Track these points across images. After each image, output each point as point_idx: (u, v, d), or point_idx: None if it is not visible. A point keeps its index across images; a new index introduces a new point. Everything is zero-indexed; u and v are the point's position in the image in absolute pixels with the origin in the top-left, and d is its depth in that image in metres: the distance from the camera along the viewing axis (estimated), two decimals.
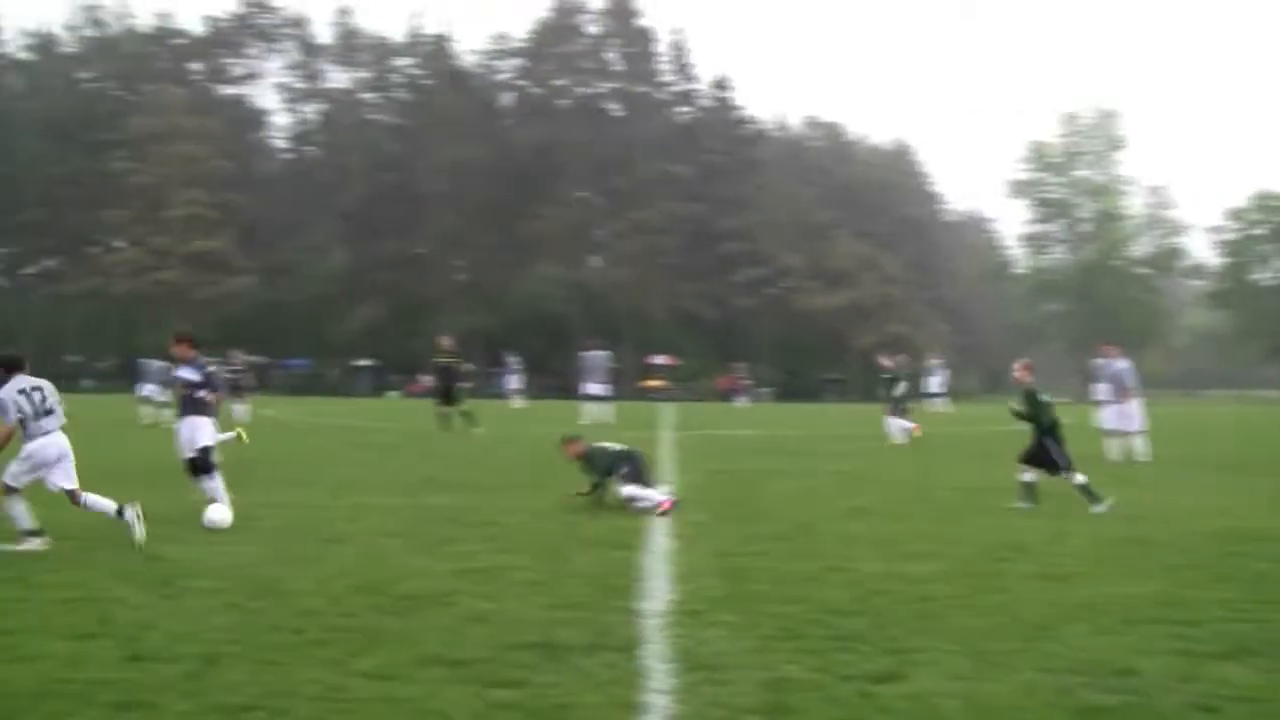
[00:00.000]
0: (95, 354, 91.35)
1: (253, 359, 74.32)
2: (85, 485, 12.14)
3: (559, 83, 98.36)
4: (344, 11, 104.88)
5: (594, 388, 39.03)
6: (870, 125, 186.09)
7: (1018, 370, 16.82)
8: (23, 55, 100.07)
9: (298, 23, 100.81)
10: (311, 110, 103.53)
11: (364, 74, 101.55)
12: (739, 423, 41.58)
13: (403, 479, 18.61)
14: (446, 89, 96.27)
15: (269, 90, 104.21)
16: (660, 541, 12.55)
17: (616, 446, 15.72)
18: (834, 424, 30.49)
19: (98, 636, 8.05)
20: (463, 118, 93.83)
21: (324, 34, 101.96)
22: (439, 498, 15.69)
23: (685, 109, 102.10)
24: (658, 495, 14.75)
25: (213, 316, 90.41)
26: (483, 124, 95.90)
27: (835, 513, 15.00)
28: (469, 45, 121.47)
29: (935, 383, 48.32)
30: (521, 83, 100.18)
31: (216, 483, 13.89)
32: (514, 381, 52.92)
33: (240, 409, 35.83)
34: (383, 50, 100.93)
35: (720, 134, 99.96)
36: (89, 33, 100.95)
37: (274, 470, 20.19)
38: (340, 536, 12.67)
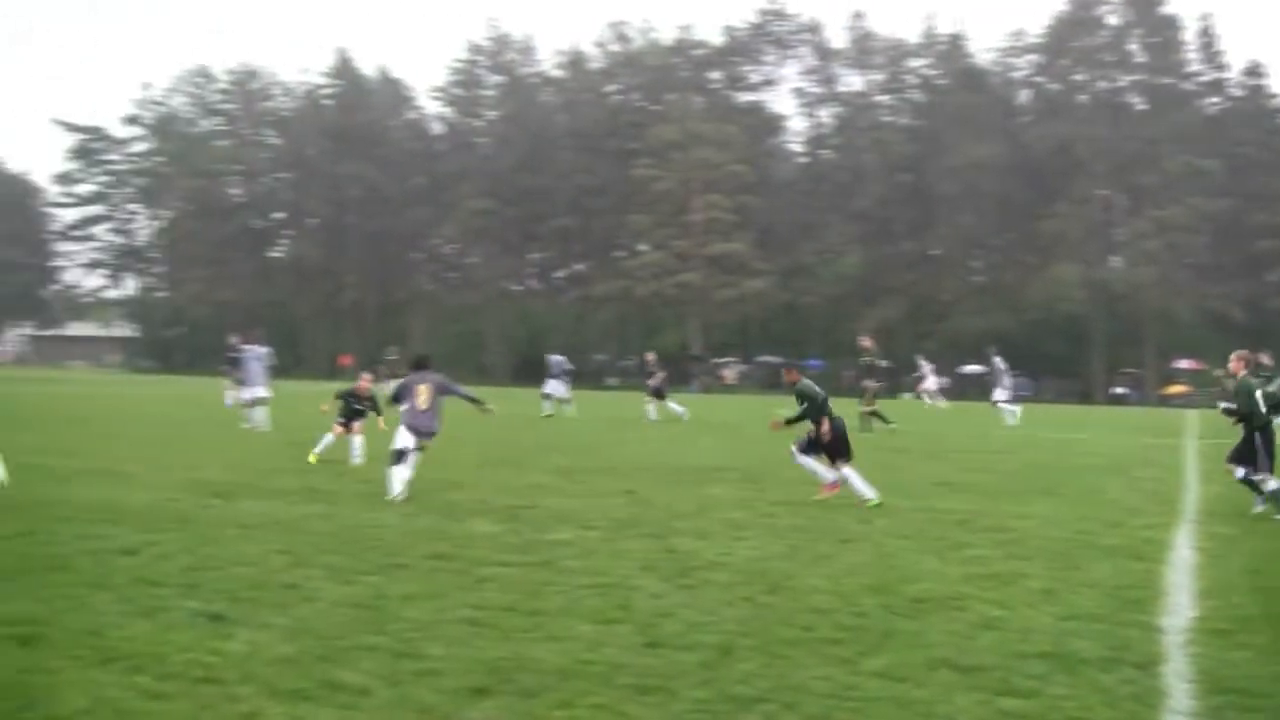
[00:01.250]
0: (619, 353, 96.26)
1: (673, 361, 77.23)
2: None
3: (1077, 78, 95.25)
4: (858, 15, 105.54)
5: (999, 393, 39.92)
6: None
7: (1232, 363, 15.62)
8: (556, 73, 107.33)
9: (813, 28, 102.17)
10: (826, 114, 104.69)
11: (878, 76, 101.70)
12: None
13: (912, 481, 18.55)
14: (961, 88, 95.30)
15: (785, 95, 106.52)
16: (1183, 554, 12.03)
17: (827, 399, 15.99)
18: None
19: (619, 622, 8.50)
20: (978, 117, 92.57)
21: (838, 38, 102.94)
22: (949, 501, 15.58)
23: (1214, 99, 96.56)
24: (827, 473, 15.18)
25: (731, 317, 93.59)
26: (999, 122, 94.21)
27: None
28: (983, 44, 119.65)
29: None
30: (1038, 79, 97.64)
31: (401, 469, 15.22)
32: (929, 382, 51.53)
33: (679, 408, 36.19)
34: (897, 52, 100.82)
35: (1253, 124, 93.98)
36: (615, 48, 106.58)
37: (785, 469, 20.65)
38: (852, 536, 12.81)
